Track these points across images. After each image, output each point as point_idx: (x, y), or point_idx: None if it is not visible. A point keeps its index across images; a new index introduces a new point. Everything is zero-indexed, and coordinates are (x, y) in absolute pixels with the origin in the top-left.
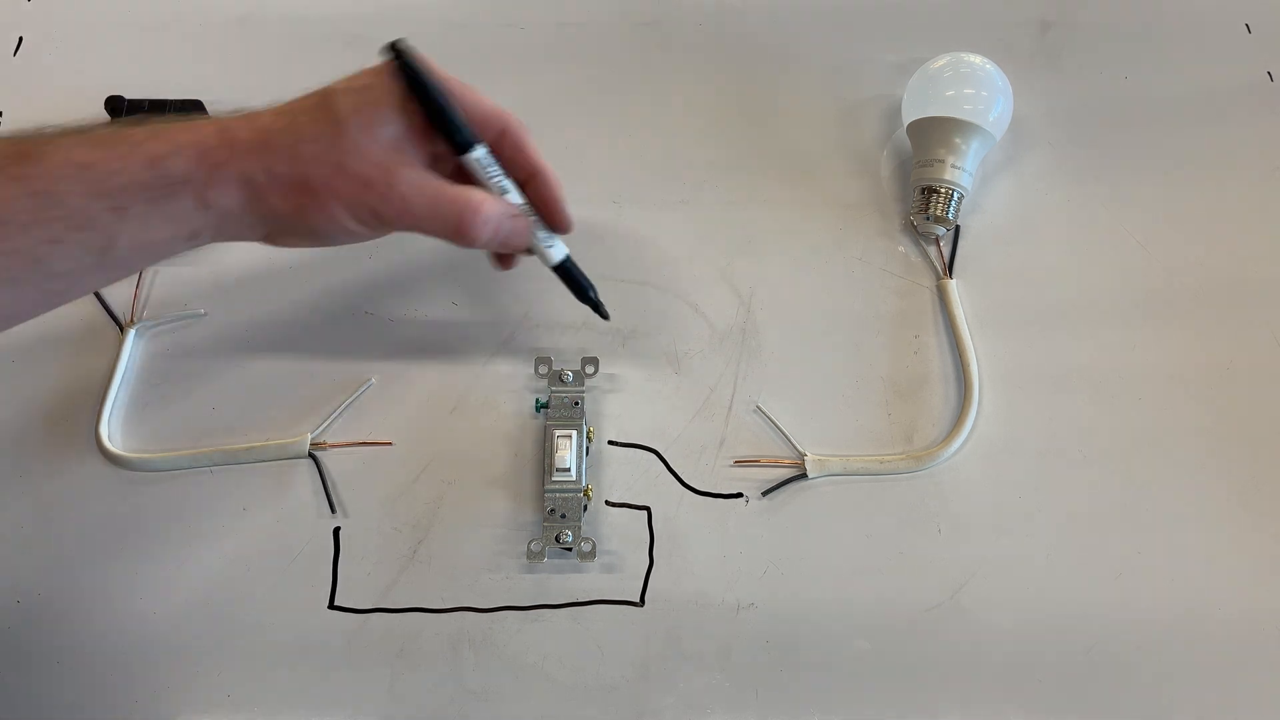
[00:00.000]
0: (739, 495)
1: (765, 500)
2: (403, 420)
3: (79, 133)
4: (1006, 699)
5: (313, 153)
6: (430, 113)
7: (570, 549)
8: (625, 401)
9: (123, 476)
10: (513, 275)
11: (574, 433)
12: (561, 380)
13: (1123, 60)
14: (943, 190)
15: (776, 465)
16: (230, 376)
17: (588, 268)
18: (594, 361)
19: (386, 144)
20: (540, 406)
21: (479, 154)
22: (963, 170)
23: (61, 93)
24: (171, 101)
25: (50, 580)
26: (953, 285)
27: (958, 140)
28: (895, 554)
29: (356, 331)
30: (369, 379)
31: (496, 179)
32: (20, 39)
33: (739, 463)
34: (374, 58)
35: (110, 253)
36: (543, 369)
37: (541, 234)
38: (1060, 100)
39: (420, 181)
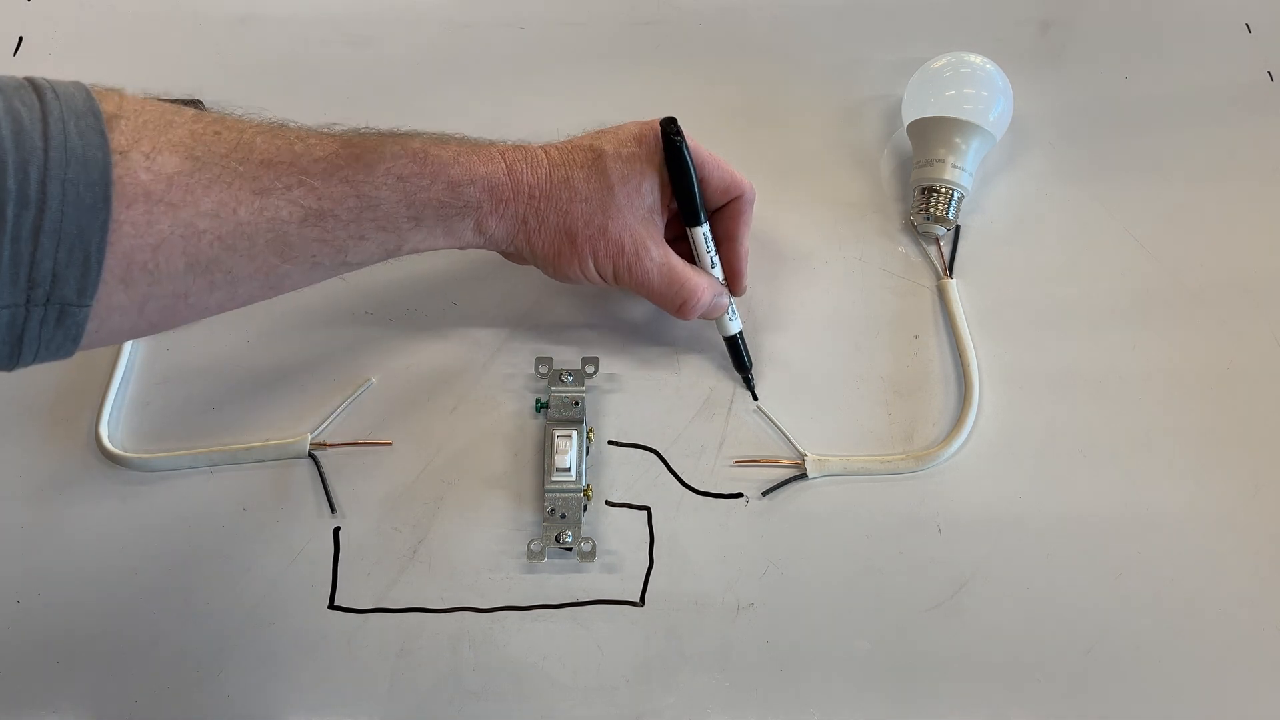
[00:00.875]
0: (739, 495)
1: (765, 500)
2: (403, 420)
3: (398, 142)
4: (1006, 699)
5: (582, 212)
6: (678, 188)
7: (570, 549)
8: (625, 401)
9: (123, 476)
10: (513, 276)
11: (574, 433)
12: (561, 380)
13: (1123, 60)
14: (943, 190)
15: (776, 465)
16: (230, 376)
17: None
18: (594, 361)
19: (642, 214)
20: (540, 406)
21: (703, 231)
22: (963, 170)
23: None
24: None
25: (50, 580)
26: (953, 285)
27: (958, 140)
28: (895, 554)
29: (356, 331)
30: (369, 379)
31: (709, 254)
32: (20, 39)
33: (739, 463)
34: (375, 58)
35: (395, 253)
36: (543, 369)
37: (729, 310)
38: (1060, 100)
39: (662, 260)
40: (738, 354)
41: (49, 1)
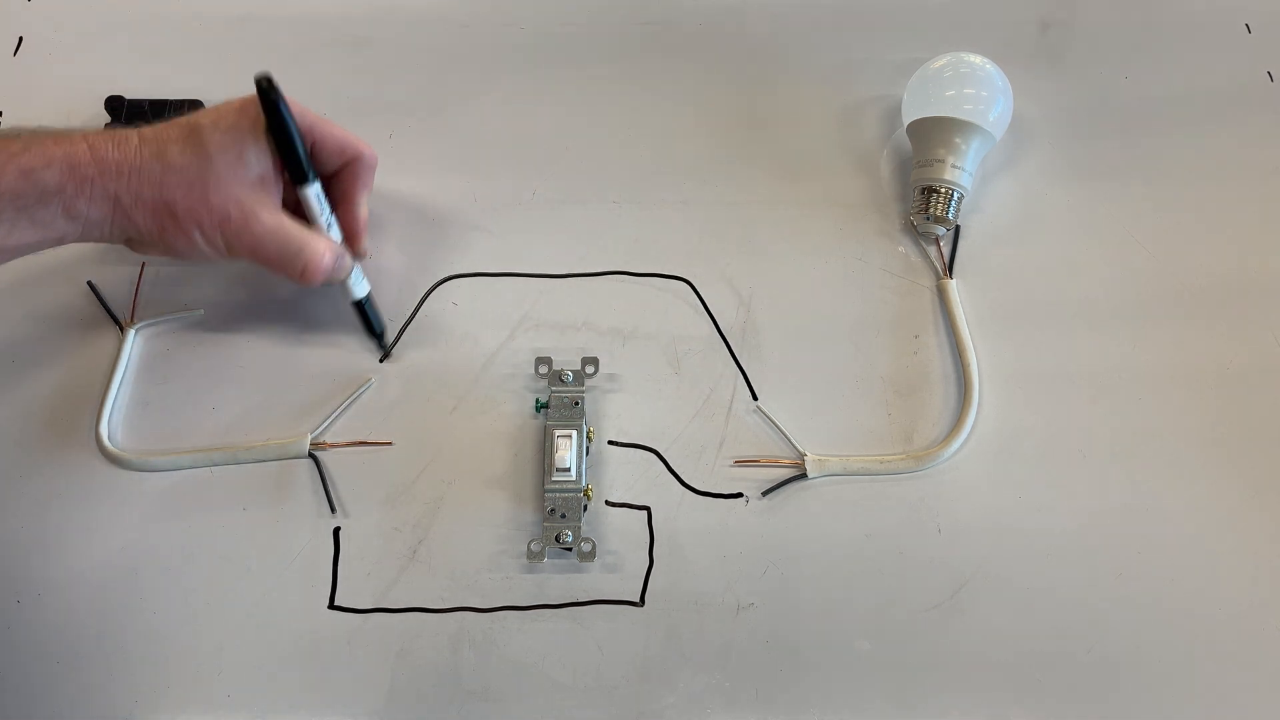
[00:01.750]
0: (739, 495)
1: (765, 500)
2: (403, 420)
3: None
4: (1006, 699)
5: (179, 182)
6: (280, 144)
7: (570, 549)
8: (625, 401)
9: (123, 476)
10: (515, 277)
11: (574, 433)
12: (561, 380)
13: (1123, 60)
14: (943, 190)
15: (776, 465)
16: (230, 376)
17: (587, 265)
18: (594, 361)
19: (249, 181)
20: (540, 406)
21: (313, 191)
22: (963, 170)
23: (61, 93)
24: (171, 102)
25: (50, 580)
26: (953, 285)
27: (958, 140)
28: (895, 554)
29: (356, 331)
30: (369, 379)
31: (324, 216)
32: (20, 39)
33: (739, 463)
34: (375, 58)
35: None
36: (543, 369)
37: (355, 272)
38: (1060, 100)
39: (273, 225)
40: (366, 318)
41: (49, 1)
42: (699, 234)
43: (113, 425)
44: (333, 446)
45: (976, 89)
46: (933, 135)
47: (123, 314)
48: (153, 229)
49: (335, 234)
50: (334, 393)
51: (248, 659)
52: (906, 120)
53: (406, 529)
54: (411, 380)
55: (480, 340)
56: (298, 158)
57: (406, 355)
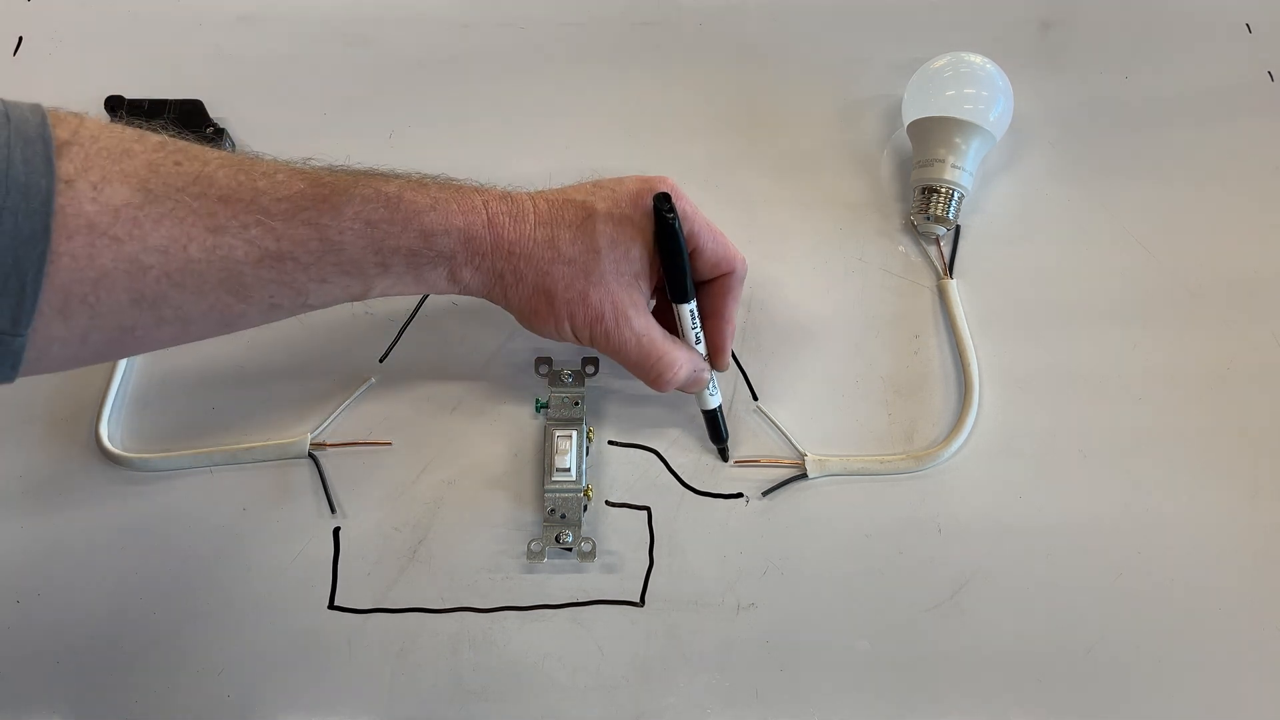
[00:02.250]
0: (739, 495)
1: (765, 500)
2: (403, 420)
3: (370, 184)
4: (1006, 699)
5: (564, 274)
6: (667, 265)
7: (570, 549)
8: (625, 401)
9: (123, 476)
10: None
11: (574, 433)
12: (561, 380)
13: (1123, 60)
14: (943, 190)
15: (776, 465)
16: (230, 376)
17: None
18: (594, 361)
19: (627, 280)
20: (540, 406)
21: (689, 308)
22: (963, 170)
23: (61, 93)
24: (171, 101)
25: (50, 580)
26: (953, 285)
27: (958, 140)
28: (895, 554)
29: (356, 331)
30: (369, 379)
31: (694, 330)
32: (20, 39)
33: (739, 463)
34: (375, 58)
35: (361, 297)
36: (543, 369)
37: (710, 384)
38: (1060, 100)
39: (642, 331)
40: (715, 427)
41: (49, 1)
42: None
43: (113, 425)
44: (333, 446)
45: (976, 89)
46: (933, 135)
47: None
48: (524, 309)
49: (701, 347)
50: (334, 393)
51: (248, 659)
52: (906, 120)
53: (406, 529)
54: (411, 380)
55: (480, 340)
56: (682, 279)
57: (407, 355)
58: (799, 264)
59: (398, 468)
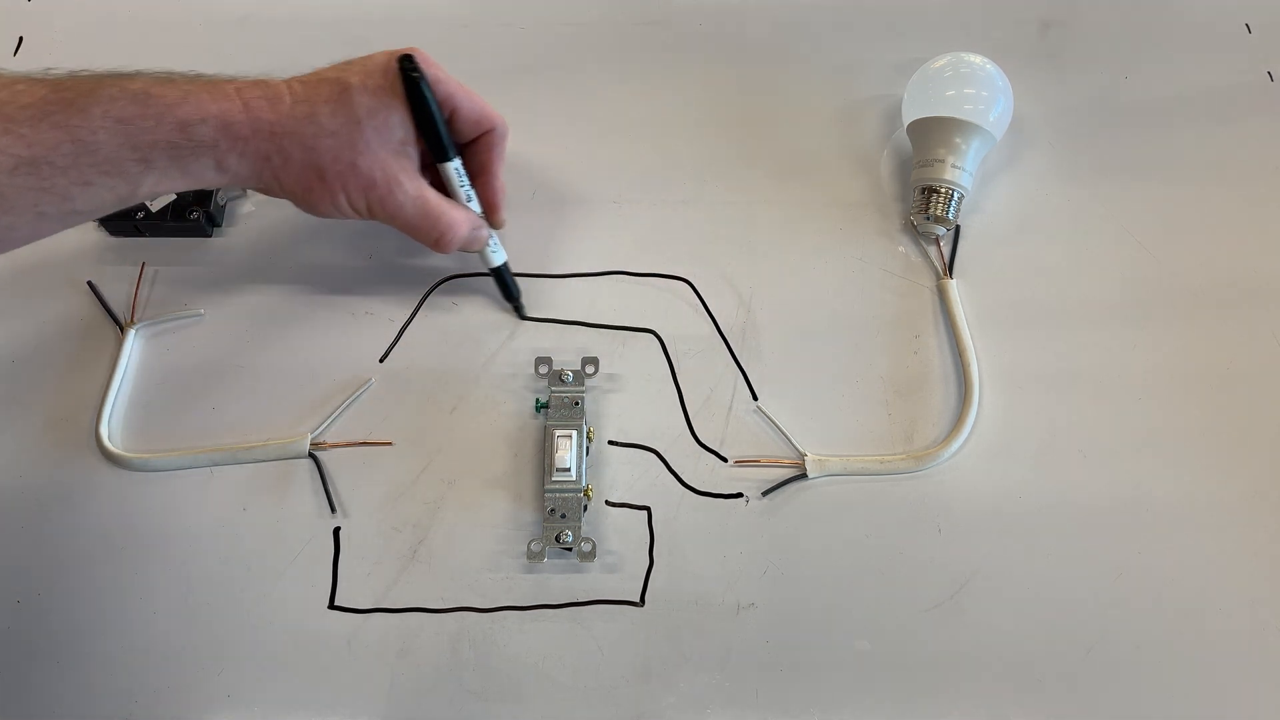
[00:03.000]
0: (739, 495)
1: (765, 500)
2: (403, 420)
3: (116, 83)
4: (1006, 699)
5: (329, 146)
6: (422, 125)
7: (570, 549)
8: (625, 401)
9: (123, 476)
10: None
11: (574, 433)
12: (561, 380)
13: (1123, 60)
14: (943, 190)
15: (776, 465)
16: (230, 376)
17: (587, 265)
18: (594, 361)
19: (393, 147)
20: (540, 406)
21: (454, 166)
22: (963, 170)
23: None
24: None
25: (50, 580)
26: (953, 285)
27: (958, 140)
28: (895, 554)
29: (356, 331)
30: (369, 379)
31: (463, 188)
32: (20, 39)
33: (739, 463)
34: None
35: (130, 198)
36: (543, 369)
37: (490, 242)
38: (1060, 100)
39: (415, 193)
40: (504, 285)
41: (49, 1)
42: (699, 234)
43: (113, 425)
44: (333, 446)
45: (976, 89)
46: (933, 135)
47: (123, 314)
48: (298, 189)
49: (474, 205)
50: (334, 393)
51: (248, 659)
52: (906, 120)
53: (406, 529)
54: (412, 380)
55: (480, 340)
56: (439, 137)
57: (406, 355)
58: (799, 264)
59: (398, 468)
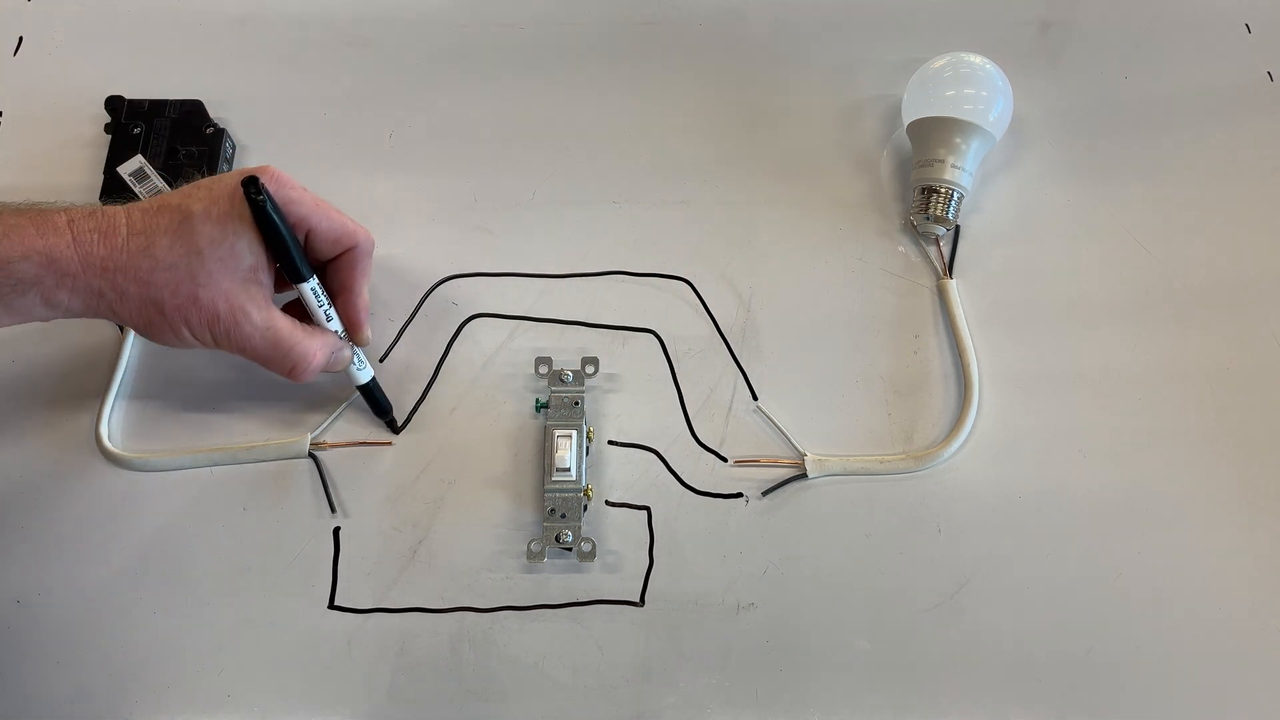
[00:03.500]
0: (739, 495)
1: (765, 500)
2: (402, 421)
3: None
4: (1006, 699)
5: (167, 280)
6: (272, 248)
7: (570, 549)
8: (625, 401)
9: (123, 476)
10: (515, 277)
11: (574, 433)
12: (561, 380)
13: (1123, 60)
14: (943, 190)
15: (776, 465)
16: (230, 376)
17: (587, 265)
18: (594, 361)
19: (240, 276)
20: (540, 406)
21: (310, 287)
22: (963, 170)
23: (61, 93)
24: (171, 102)
25: (50, 580)
26: (953, 285)
27: (958, 140)
28: (895, 554)
29: None
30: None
31: (323, 308)
32: (20, 39)
33: (739, 463)
34: (375, 58)
35: None
36: (543, 369)
37: (355, 360)
38: (1060, 100)
39: (263, 324)
40: (374, 401)
41: (49, 1)
42: (699, 234)
43: (113, 425)
44: (333, 446)
45: (976, 89)
46: (933, 135)
47: None
48: (138, 323)
49: (335, 324)
50: (334, 393)
51: (248, 659)
52: (906, 120)
53: (406, 529)
54: (412, 380)
55: (480, 340)
56: (291, 260)
57: (407, 355)
58: (799, 264)
59: (398, 468)
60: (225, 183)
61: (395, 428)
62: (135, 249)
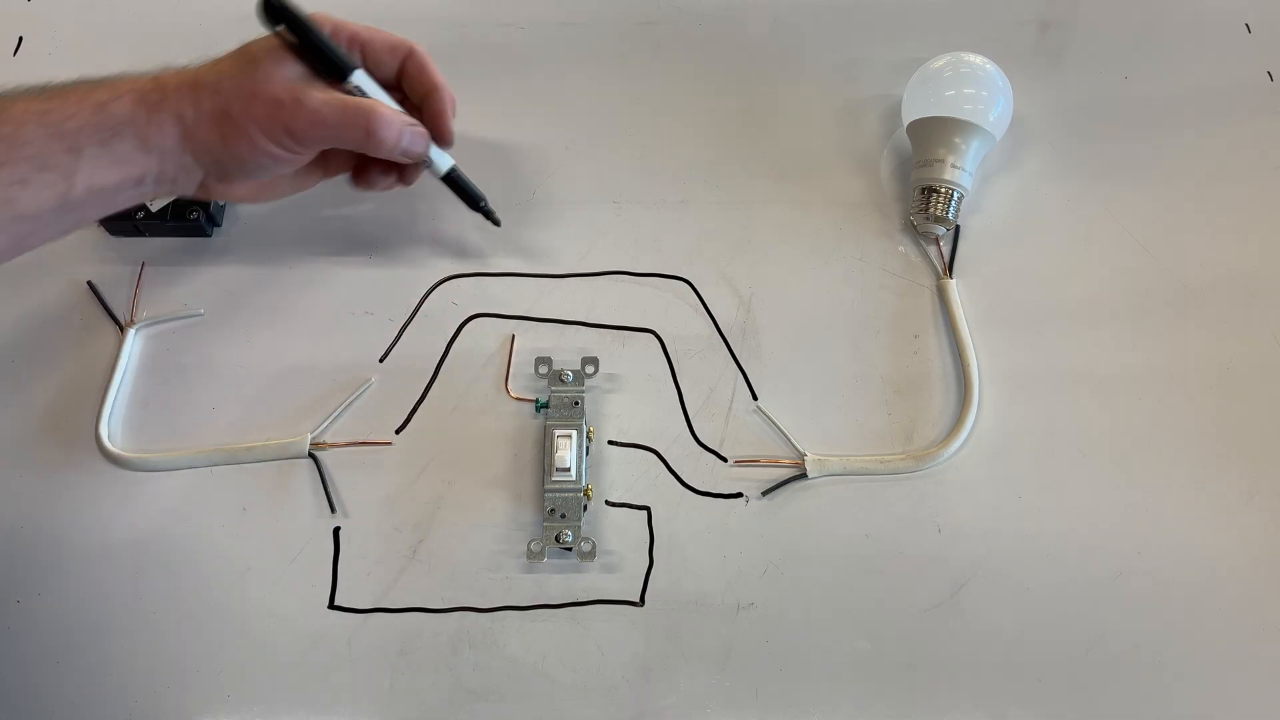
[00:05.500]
0: (739, 495)
1: (765, 500)
2: (402, 420)
3: (33, 87)
4: (1006, 699)
5: (230, 87)
6: (305, 47)
7: (570, 549)
8: (625, 401)
9: (123, 476)
10: (516, 277)
11: (574, 433)
12: (561, 380)
13: (1123, 60)
14: (943, 190)
15: (776, 465)
16: (230, 376)
17: (587, 265)
18: (594, 361)
19: (295, 75)
20: (540, 406)
21: (358, 76)
22: (963, 170)
23: None
24: None
25: (50, 580)
26: (953, 285)
27: (958, 140)
28: (895, 554)
29: (356, 331)
30: (369, 379)
31: (384, 93)
32: (20, 39)
33: (739, 463)
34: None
35: (69, 195)
36: (543, 369)
37: (433, 148)
38: (1060, 100)
39: (326, 96)
40: (462, 190)
41: (49, 1)
42: (699, 234)
43: (113, 425)
44: (333, 446)
45: (976, 89)
46: (933, 135)
47: (123, 314)
48: (216, 140)
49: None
50: (334, 393)
51: (248, 659)
52: (906, 120)
53: (406, 529)
54: (411, 380)
55: (480, 340)
56: (326, 48)
57: (407, 355)
58: (799, 264)
59: (398, 468)
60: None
61: (493, 218)
62: (202, 72)
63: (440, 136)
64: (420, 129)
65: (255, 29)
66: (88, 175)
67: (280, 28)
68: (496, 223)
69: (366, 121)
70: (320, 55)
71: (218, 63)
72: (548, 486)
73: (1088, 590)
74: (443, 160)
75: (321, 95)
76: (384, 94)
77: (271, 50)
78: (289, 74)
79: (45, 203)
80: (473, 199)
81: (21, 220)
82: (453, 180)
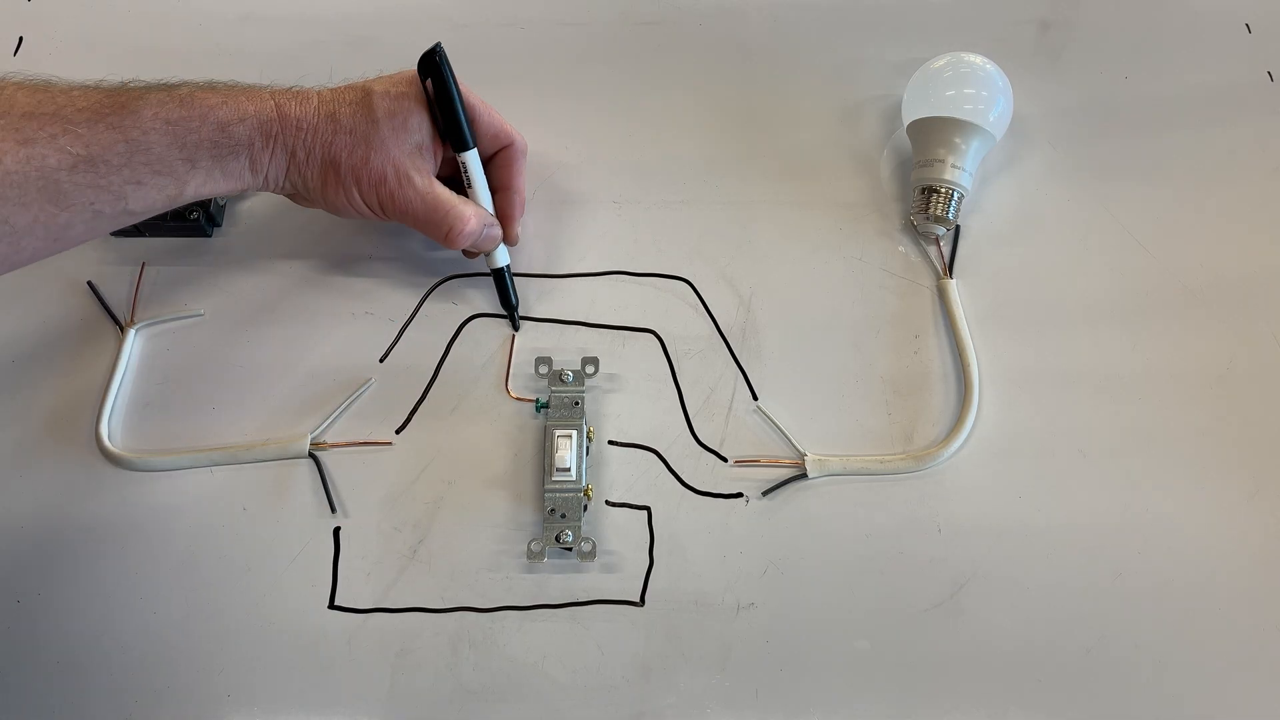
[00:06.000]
0: (739, 495)
1: (765, 500)
2: (402, 420)
3: (164, 90)
4: (1006, 699)
5: (346, 144)
6: (443, 111)
7: (570, 549)
8: (625, 401)
9: (123, 476)
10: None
11: (574, 433)
12: (561, 380)
13: (1123, 60)
14: (943, 190)
15: (776, 465)
16: (230, 376)
17: (587, 265)
18: (594, 361)
19: (409, 148)
20: (540, 406)
21: (470, 157)
22: (963, 170)
23: None
24: None
25: (50, 580)
26: (953, 285)
27: (958, 140)
28: (895, 554)
29: (356, 331)
30: (369, 379)
31: (480, 181)
32: (20, 39)
33: (739, 463)
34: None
35: (177, 198)
36: (543, 369)
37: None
38: (1060, 100)
39: (425, 189)
40: (504, 289)
41: (49, 1)
42: (699, 234)
43: (113, 425)
44: (333, 446)
45: (976, 89)
46: (933, 135)
47: (123, 314)
48: (317, 184)
49: (488, 204)
50: (334, 393)
51: (248, 659)
52: (906, 120)
53: (406, 529)
54: (411, 380)
55: (480, 340)
56: (459, 125)
57: (407, 355)
58: (799, 264)
59: (398, 468)
60: (404, 72)
61: (515, 324)
62: (323, 115)
63: (504, 234)
64: (497, 232)
65: (256, 29)
66: (198, 184)
67: (428, 82)
68: (516, 327)
69: (450, 228)
70: (453, 121)
71: (337, 107)
72: (548, 486)
73: (1088, 590)
74: (501, 257)
75: (422, 185)
76: (483, 180)
77: (391, 113)
78: (402, 146)
79: (155, 203)
80: (509, 300)
81: (129, 215)
82: (500, 277)
